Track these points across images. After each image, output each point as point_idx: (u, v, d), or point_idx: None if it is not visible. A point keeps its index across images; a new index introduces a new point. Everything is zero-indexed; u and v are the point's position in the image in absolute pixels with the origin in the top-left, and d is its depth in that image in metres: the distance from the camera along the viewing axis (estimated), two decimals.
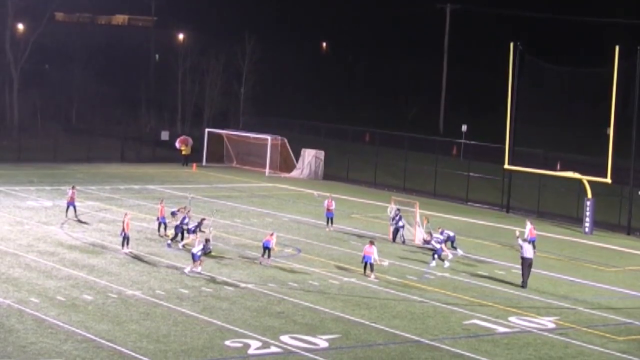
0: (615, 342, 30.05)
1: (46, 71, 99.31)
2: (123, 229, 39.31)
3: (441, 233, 41.82)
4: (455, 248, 42.25)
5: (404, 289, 35.52)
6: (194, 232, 40.00)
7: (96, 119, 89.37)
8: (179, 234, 41.28)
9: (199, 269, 36.14)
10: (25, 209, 48.75)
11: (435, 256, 39.96)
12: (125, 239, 39.39)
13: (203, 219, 41.48)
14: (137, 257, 38.59)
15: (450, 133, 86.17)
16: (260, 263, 38.43)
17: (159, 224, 43.41)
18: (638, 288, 38.06)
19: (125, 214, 40.24)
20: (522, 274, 37.07)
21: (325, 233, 45.87)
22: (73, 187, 47.80)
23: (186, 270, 36.15)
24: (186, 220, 41.15)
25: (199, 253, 36.13)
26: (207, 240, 37.33)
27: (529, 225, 43.29)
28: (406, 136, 69.36)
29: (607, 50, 50.72)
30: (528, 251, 37.06)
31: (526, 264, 36.95)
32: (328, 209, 47.14)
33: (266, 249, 38.50)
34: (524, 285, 36.78)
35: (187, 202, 45.20)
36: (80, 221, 45.81)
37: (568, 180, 55.18)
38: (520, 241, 37.69)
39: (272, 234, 39.00)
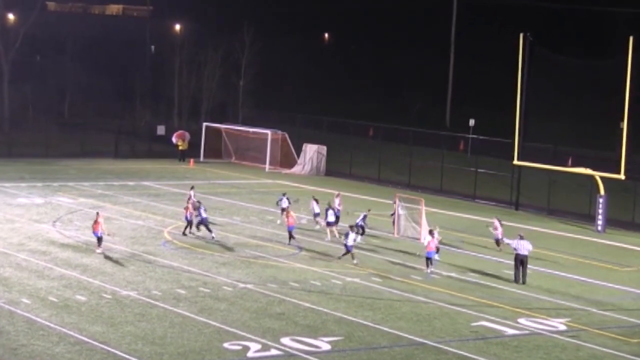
0: (628, 345, 29.65)
1: (38, 63, 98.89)
2: (98, 229, 37.96)
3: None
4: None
5: (408, 289, 35.18)
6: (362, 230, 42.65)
7: (89, 112, 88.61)
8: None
9: (355, 260, 38.21)
10: (15, 206, 48.47)
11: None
12: (99, 239, 38.20)
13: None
14: (132, 256, 38.25)
15: (457, 127, 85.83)
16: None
17: (190, 222, 42.29)
18: None
19: (97, 214, 39.09)
20: (515, 273, 37.02)
21: (320, 228, 45.44)
22: (192, 188, 47.67)
23: (354, 263, 38.08)
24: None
25: (352, 243, 38.27)
26: (351, 227, 39.18)
27: (496, 222, 42.79)
28: (411, 131, 68.84)
29: (620, 41, 49.91)
30: (522, 248, 36.92)
31: (519, 259, 36.87)
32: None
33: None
34: (516, 281, 36.71)
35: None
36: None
37: (579, 177, 54.68)
38: (508, 240, 38.04)
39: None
